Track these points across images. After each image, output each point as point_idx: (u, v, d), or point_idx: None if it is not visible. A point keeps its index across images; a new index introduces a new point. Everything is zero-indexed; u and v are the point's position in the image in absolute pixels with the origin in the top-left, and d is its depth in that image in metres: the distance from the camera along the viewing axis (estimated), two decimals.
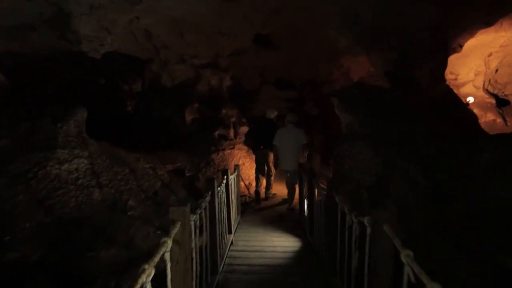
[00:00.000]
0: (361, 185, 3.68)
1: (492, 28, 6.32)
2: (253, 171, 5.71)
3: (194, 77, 7.27)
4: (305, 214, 3.68)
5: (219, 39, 6.50)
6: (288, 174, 4.77)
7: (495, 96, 10.09)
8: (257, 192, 5.13)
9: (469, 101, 7.68)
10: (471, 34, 6.09)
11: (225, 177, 3.14)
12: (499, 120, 9.21)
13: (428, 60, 5.50)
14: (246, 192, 5.21)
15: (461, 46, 6.17)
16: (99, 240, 3.73)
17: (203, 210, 2.03)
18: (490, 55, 8.97)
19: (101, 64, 8.80)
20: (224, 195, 3.00)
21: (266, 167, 5.22)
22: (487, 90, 10.02)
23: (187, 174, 5.31)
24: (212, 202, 2.36)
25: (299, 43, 8.29)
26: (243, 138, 7.13)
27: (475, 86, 9.44)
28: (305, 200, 3.73)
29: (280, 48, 9.10)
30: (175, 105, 6.94)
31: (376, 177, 3.51)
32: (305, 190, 3.80)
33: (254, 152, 5.29)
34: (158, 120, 7.35)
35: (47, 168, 3.91)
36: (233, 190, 3.62)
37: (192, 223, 1.67)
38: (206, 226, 2.22)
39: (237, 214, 4.02)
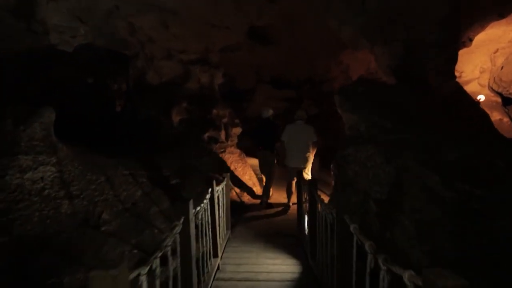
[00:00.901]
0: (369, 196, 3.18)
1: (504, 21, 5.88)
2: (246, 177, 5.19)
3: (182, 74, 6.74)
4: (306, 231, 3.16)
5: (209, 32, 5.97)
6: (291, 172, 4.52)
7: (500, 94, 9.66)
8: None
9: (480, 99, 7.22)
10: (482, 26, 5.62)
11: (210, 189, 2.61)
12: (505, 119, 8.77)
13: (437, 55, 5.00)
14: (238, 201, 4.69)
15: (471, 40, 5.70)
16: (64, 262, 3.20)
17: (170, 247, 1.49)
18: (496, 51, 8.53)
19: (89, 62, 8.26)
20: (208, 212, 2.47)
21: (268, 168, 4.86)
22: (491, 88, 9.61)
23: (172, 181, 4.76)
24: (185, 232, 1.83)
25: (297, 38, 7.78)
26: (236, 141, 6.61)
27: (480, 84, 9.00)
28: (306, 216, 3.21)
29: (277, 44, 8.59)
30: (161, 104, 6.40)
31: (387, 187, 3.01)
32: (304, 203, 3.27)
33: (255, 153, 5.01)
34: (144, 121, 6.81)
35: (6, 178, 3.36)
36: (221, 204, 3.09)
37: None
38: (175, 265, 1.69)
39: (227, 230, 3.49)
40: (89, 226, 3.79)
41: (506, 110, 9.23)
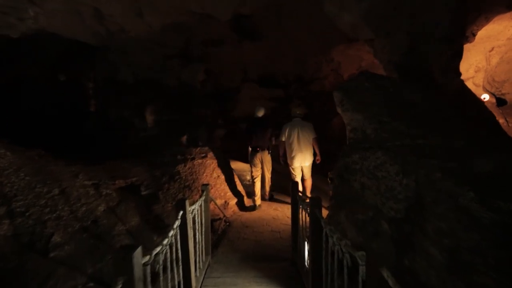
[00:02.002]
0: (381, 215, 2.60)
1: (507, 15, 5.51)
2: (232, 186, 4.55)
3: (160, 69, 6.02)
4: (306, 262, 2.53)
5: (189, 21, 5.28)
6: (295, 170, 4.47)
7: (493, 95, 9.40)
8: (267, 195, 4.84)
9: (484, 98, 6.84)
10: (487, 19, 5.20)
11: (181, 213, 1.95)
12: (501, 120, 8.49)
13: (443, 49, 4.52)
14: (222, 215, 4.04)
15: (474, 35, 5.26)
16: None
17: None
18: (492, 49, 8.23)
19: (53, 55, 7.40)
20: (179, 244, 1.82)
21: (262, 170, 4.73)
22: (485, 88, 9.36)
23: (143, 192, 4.06)
24: None
25: (286, 32, 7.20)
26: (219, 144, 5.95)
27: (475, 84, 8.70)
28: (306, 243, 2.59)
29: (264, 39, 7.98)
30: (135, 103, 5.67)
31: (405, 204, 2.43)
32: (303, 226, 2.65)
33: (251, 153, 4.79)
34: (115, 123, 6.06)
35: None
36: (198, 225, 2.44)
37: None
38: None
39: (206, 255, 2.83)
40: (35, 251, 3.08)
41: (501, 111, 8.98)
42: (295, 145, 4.41)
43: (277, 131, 4.93)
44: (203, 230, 2.71)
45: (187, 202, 2.02)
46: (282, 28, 6.84)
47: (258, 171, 4.69)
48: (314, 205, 2.05)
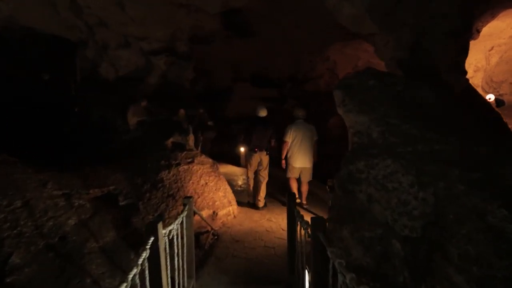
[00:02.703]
0: (393, 233, 2.24)
1: None
2: (220, 194, 4.16)
3: (144, 66, 5.59)
4: None
5: (176, 14, 4.88)
6: (296, 171, 4.48)
7: None
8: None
9: (489, 99, 6.58)
10: (493, 15, 4.92)
11: (151, 240, 1.55)
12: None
13: (449, 45, 4.19)
14: (209, 228, 3.63)
15: (478, 32, 4.97)
16: None
17: None
18: (491, 49, 8.00)
19: (44, 56, 6.92)
20: (148, 282, 1.42)
21: (256, 172, 4.61)
22: (483, 89, 9.16)
23: (121, 203, 3.64)
24: None
25: (280, 29, 6.82)
26: (209, 147, 5.54)
27: (474, 84, 8.44)
28: (306, 272, 2.20)
29: (257, 36, 7.60)
30: (117, 103, 5.22)
31: (422, 221, 2.07)
32: (301, 246, 2.27)
33: (248, 153, 4.68)
34: (96, 124, 5.61)
35: None
36: (178, 248, 2.04)
37: None
38: None
39: (189, 279, 2.43)
40: None
41: (500, 112, 8.76)
42: (298, 146, 4.40)
43: (274, 132, 4.78)
44: (185, 251, 2.30)
45: (159, 226, 1.62)
46: (275, 24, 6.47)
47: (252, 173, 4.64)
48: (317, 228, 1.66)
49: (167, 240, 1.83)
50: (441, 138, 2.31)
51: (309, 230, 1.95)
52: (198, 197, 3.90)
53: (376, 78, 2.92)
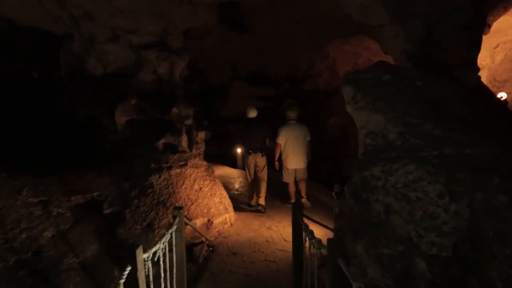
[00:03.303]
0: (416, 250, 1.93)
1: None
2: (216, 200, 3.82)
3: (134, 62, 5.23)
4: None
5: (168, 6, 4.53)
6: (291, 173, 4.44)
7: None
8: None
9: (502, 97, 6.32)
10: (505, 9, 4.66)
11: (127, 270, 1.21)
12: None
13: (462, 38, 3.93)
14: (203, 238, 3.29)
15: (489, 26, 4.71)
16: None
17: None
18: (497, 46, 7.77)
19: (34, 53, 6.54)
20: None
21: (255, 173, 4.53)
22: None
23: (106, 211, 3.28)
24: None
25: (277, 23, 6.50)
26: (203, 148, 5.20)
27: None
28: None
29: (254, 31, 7.28)
30: (105, 101, 4.86)
31: (453, 238, 1.77)
32: (310, 266, 1.95)
33: (244, 155, 4.65)
34: (84, 125, 5.24)
35: None
36: (165, 270, 1.70)
37: None
38: None
39: None
40: None
41: None
42: (291, 148, 4.35)
43: (269, 132, 4.70)
44: (174, 271, 1.96)
45: (139, 252, 1.28)
46: (273, 19, 6.16)
47: (251, 175, 4.54)
48: (335, 252, 1.33)
49: (150, 266, 1.48)
50: (472, 141, 2.01)
51: (321, 250, 1.64)
52: (192, 204, 3.56)
53: (392, 72, 2.61)
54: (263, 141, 4.53)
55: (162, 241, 1.71)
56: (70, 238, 2.93)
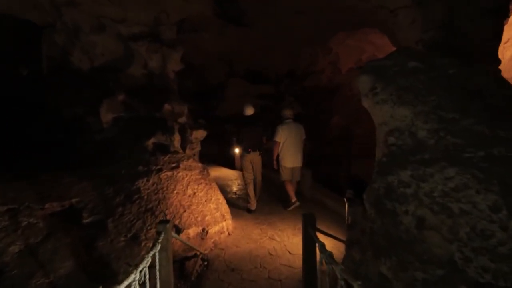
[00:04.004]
0: (461, 276, 1.56)
1: None
2: (212, 206, 3.42)
3: (123, 55, 4.82)
4: None
5: None
6: (288, 172, 4.43)
7: None
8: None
9: None
10: None
11: None
12: None
13: (484, 26, 3.57)
14: (197, 251, 2.89)
15: (508, 16, 4.35)
16: None
17: None
18: (507, 41, 7.40)
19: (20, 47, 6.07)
20: None
21: (253, 174, 4.44)
22: None
23: (85, 220, 2.88)
24: None
25: (277, 16, 6.10)
26: (198, 148, 4.80)
27: None
28: None
29: (253, 25, 6.87)
30: (90, 97, 4.44)
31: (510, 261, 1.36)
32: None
33: (241, 155, 4.49)
34: (70, 122, 4.82)
35: None
36: None
37: None
38: None
39: None
40: None
41: None
42: (288, 146, 4.35)
43: (267, 131, 4.74)
44: None
45: None
46: (273, 11, 5.75)
47: (251, 175, 4.42)
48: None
49: None
50: None
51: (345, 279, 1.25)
52: (184, 211, 3.15)
53: (419, 58, 2.22)
54: (261, 139, 4.49)
55: (139, 269, 1.31)
56: (41, 253, 2.52)
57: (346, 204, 2.92)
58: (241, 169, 4.80)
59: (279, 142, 4.30)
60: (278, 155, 4.42)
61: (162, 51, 4.73)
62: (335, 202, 4.26)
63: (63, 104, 4.92)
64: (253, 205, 4.33)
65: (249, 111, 4.51)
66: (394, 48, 7.17)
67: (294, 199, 4.39)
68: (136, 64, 4.76)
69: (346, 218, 2.93)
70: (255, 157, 4.36)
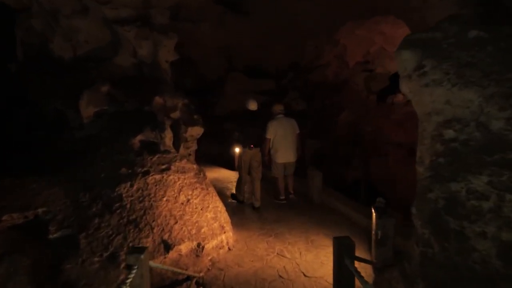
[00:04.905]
0: None
1: None
2: (209, 215, 2.88)
3: (109, 42, 4.28)
4: None
5: None
6: (281, 167, 4.39)
7: None
8: (236, 195, 4.45)
9: None
10: None
11: None
12: None
13: None
14: (190, 272, 2.35)
15: None
16: None
17: None
18: None
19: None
20: None
21: (250, 169, 4.29)
22: None
23: (52, 235, 2.34)
24: None
25: (278, 1, 5.58)
26: (194, 147, 4.26)
27: None
28: None
29: (254, 13, 6.36)
30: (72, 90, 3.90)
31: None
32: None
33: (243, 150, 4.30)
34: (49, 119, 4.30)
35: None
36: None
37: None
38: None
39: None
40: None
41: None
42: (280, 142, 4.29)
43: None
44: None
45: None
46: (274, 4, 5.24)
47: (247, 170, 4.29)
48: None
49: None
50: None
51: None
52: (175, 223, 2.61)
53: (481, 26, 1.68)
54: (260, 135, 4.38)
55: None
56: None
57: (374, 215, 2.39)
58: (238, 167, 4.54)
59: (269, 138, 4.26)
60: (270, 151, 4.38)
61: (153, 37, 4.19)
62: (349, 208, 3.73)
63: (42, 97, 4.38)
64: (241, 195, 4.35)
65: (253, 106, 4.33)
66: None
67: (283, 197, 4.39)
68: (124, 52, 4.22)
69: (374, 232, 2.40)
70: (256, 154, 4.27)
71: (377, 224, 2.27)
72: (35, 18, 4.14)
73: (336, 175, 6.17)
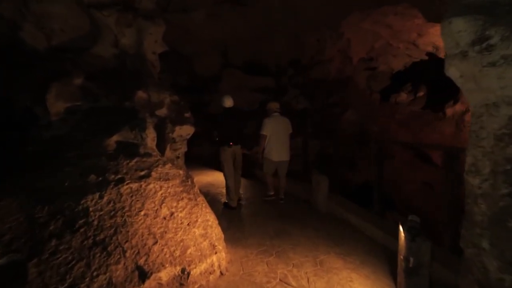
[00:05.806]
0: None
1: None
2: (197, 232, 2.39)
3: (89, 31, 3.78)
4: None
5: None
6: (273, 165, 4.41)
7: None
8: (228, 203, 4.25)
9: None
10: None
11: None
12: None
13: None
14: None
15: None
16: None
17: None
18: None
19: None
20: None
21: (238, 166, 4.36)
22: None
23: None
24: None
25: None
26: (183, 149, 3.76)
27: None
28: None
29: (252, 6, 5.88)
30: (41, 83, 3.41)
31: None
32: None
33: (222, 148, 4.22)
34: (22, 115, 3.79)
35: None
36: None
37: None
38: None
39: None
40: None
41: None
42: (275, 140, 4.35)
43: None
44: None
45: None
46: None
47: (231, 168, 4.28)
48: None
49: None
50: None
51: None
52: (155, 243, 2.12)
53: None
54: (242, 132, 4.52)
55: None
56: None
57: (403, 235, 1.91)
58: (220, 164, 4.41)
59: (266, 135, 4.30)
60: (263, 149, 4.42)
61: (137, 23, 3.70)
62: (362, 220, 3.25)
63: (13, 92, 3.87)
64: (234, 201, 4.21)
65: (228, 102, 4.34)
66: (412, 34, 6.11)
67: (272, 192, 4.46)
68: (103, 41, 3.72)
69: (403, 257, 1.92)
70: (237, 151, 4.29)
71: (408, 248, 1.79)
72: (2, 3, 3.64)
73: (341, 178, 5.69)
